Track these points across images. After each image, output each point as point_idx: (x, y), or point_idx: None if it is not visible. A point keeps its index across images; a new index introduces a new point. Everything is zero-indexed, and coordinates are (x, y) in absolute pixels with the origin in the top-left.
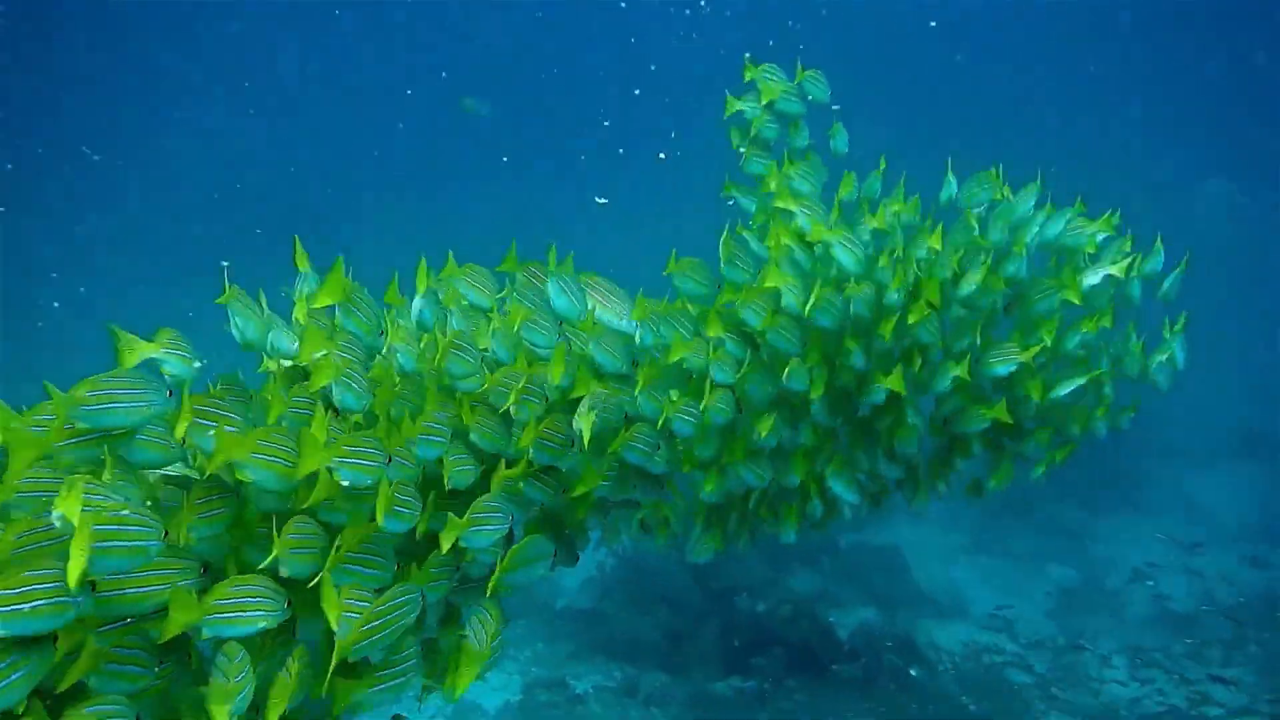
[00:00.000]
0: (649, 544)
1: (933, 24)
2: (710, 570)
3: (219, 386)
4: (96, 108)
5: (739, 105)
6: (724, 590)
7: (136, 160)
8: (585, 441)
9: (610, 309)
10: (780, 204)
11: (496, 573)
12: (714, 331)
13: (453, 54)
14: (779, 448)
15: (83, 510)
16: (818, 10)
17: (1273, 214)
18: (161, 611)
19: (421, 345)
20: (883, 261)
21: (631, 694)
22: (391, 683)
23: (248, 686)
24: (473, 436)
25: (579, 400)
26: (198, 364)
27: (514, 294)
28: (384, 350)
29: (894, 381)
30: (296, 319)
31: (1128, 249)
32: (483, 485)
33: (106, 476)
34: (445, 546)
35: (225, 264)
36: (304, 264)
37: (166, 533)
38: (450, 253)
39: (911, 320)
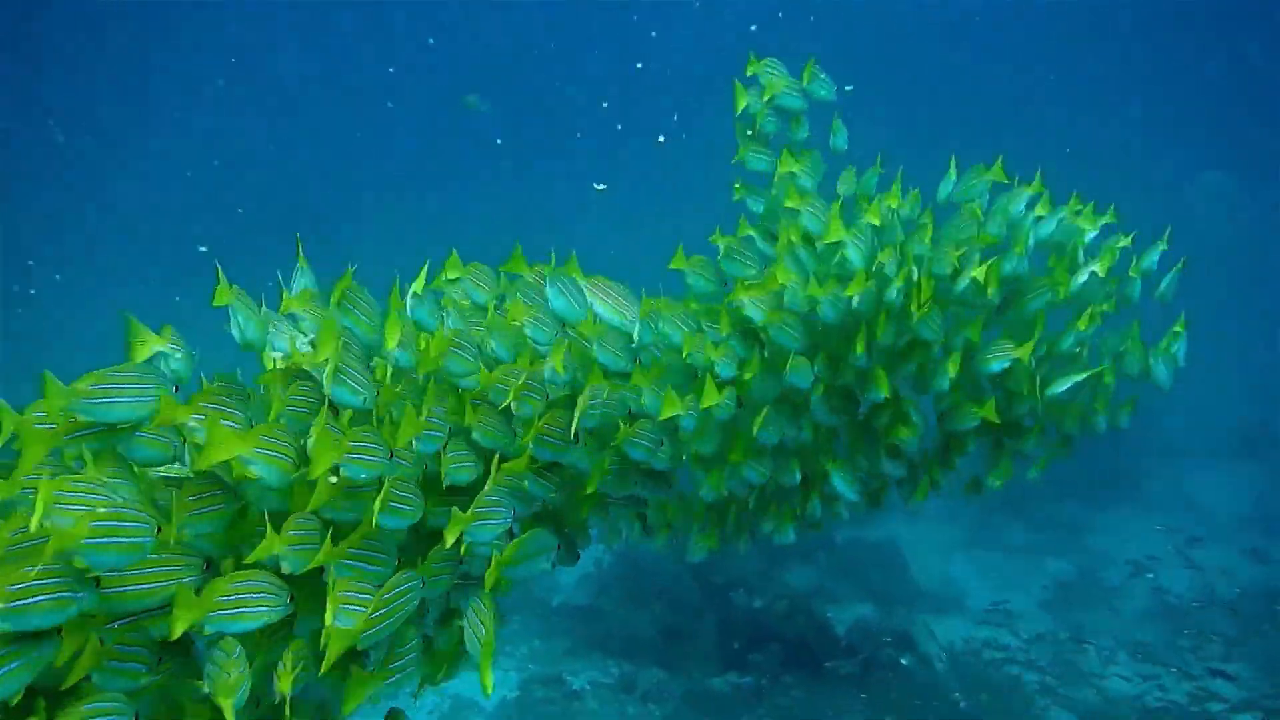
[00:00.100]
0: (649, 543)
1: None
2: (707, 566)
3: (216, 384)
4: (96, 108)
5: (746, 99)
6: (721, 586)
7: (134, 160)
8: (576, 423)
9: (613, 307)
10: (790, 204)
11: (493, 566)
12: (726, 328)
13: (452, 52)
14: (780, 445)
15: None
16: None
17: (1273, 214)
18: (164, 608)
19: (421, 346)
20: (884, 257)
21: (628, 690)
22: (399, 675)
23: (246, 680)
24: (475, 435)
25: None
26: (195, 358)
27: (514, 292)
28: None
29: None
30: (287, 308)
31: (1123, 245)
32: (484, 483)
33: (99, 472)
34: (450, 540)
35: (203, 249)
36: (302, 261)
37: (160, 529)
38: (454, 251)
39: (915, 317)
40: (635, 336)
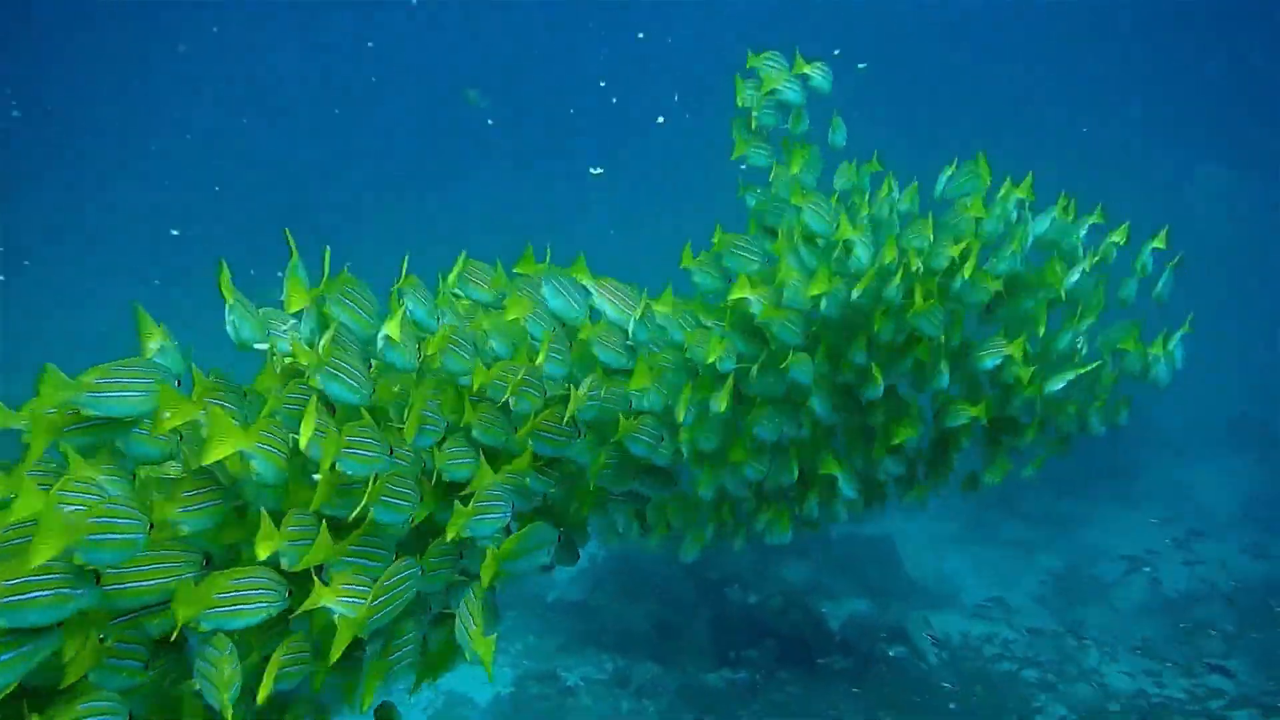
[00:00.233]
0: (644, 542)
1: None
2: (702, 562)
3: (211, 380)
4: (96, 108)
5: (746, 91)
6: (715, 582)
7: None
8: (570, 410)
9: (620, 310)
10: (795, 201)
11: (489, 559)
12: (728, 324)
13: (451, 51)
14: (779, 443)
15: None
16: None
17: (1272, 213)
18: (161, 605)
19: (419, 345)
20: (888, 255)
21: (623, 685)
22: (397, 667)
23: (238, 678)
24: (475, 432)
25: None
26: (189, 353)
27: (513, 290)
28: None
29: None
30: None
31: (1116, 240)
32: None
33: (94, 470)
34: (451, 534)
35: (174, 232)
36: (295, 257)
37: (152, 525)
38: (464, 253)
39: (915, 311)
40: (630, 333)
